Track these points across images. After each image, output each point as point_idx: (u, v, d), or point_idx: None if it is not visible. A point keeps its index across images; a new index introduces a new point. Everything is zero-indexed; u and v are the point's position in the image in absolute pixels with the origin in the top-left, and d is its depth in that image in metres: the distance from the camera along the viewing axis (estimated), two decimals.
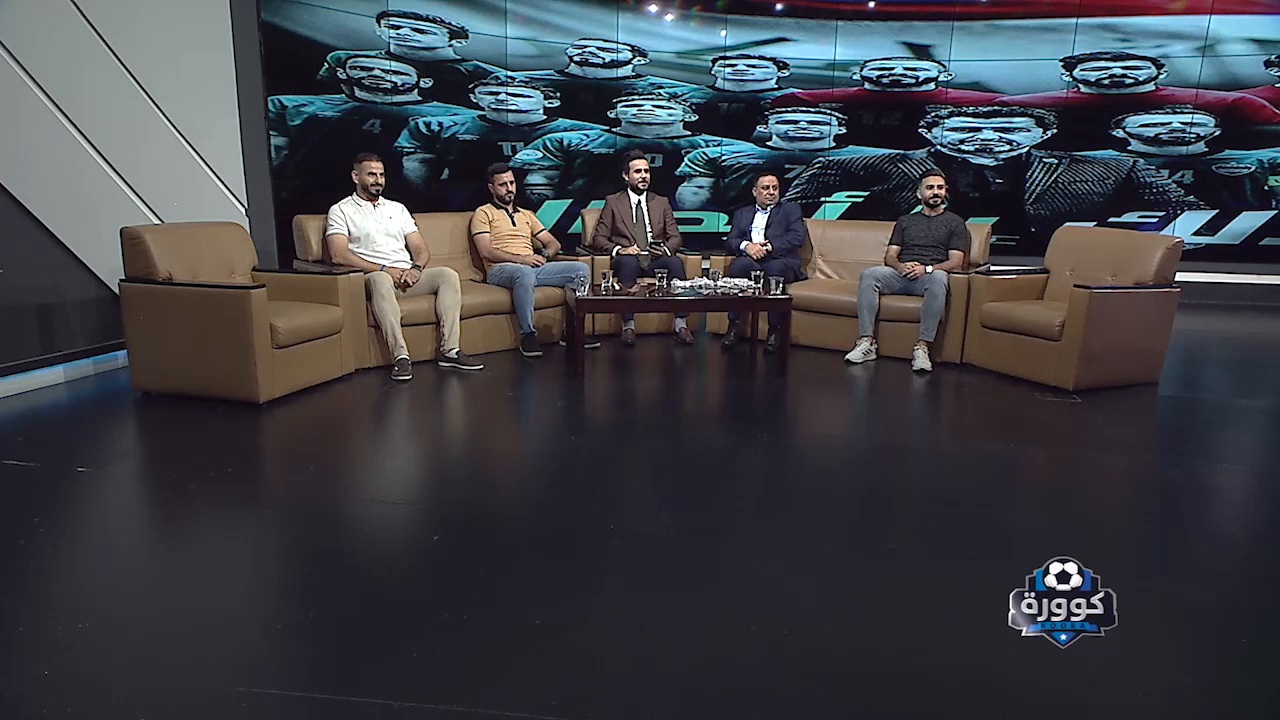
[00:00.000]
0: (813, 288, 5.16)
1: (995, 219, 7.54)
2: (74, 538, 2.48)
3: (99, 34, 4.16)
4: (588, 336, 4.88)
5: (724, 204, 7.88)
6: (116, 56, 4.25)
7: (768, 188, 5.33)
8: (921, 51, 7.78)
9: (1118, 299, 4.15)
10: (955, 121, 7.87)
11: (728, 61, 7.73)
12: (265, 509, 2.80)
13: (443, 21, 6.74)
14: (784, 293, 4.56)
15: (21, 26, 3.81)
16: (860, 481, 3.13)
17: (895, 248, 5.02)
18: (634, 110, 7.60)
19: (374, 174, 4.60)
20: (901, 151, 7.93)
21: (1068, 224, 7.07)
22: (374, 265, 4.50)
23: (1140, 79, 7.57)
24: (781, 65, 7.80)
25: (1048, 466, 3.32)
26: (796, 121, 7.91)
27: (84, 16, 4.09)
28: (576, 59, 7.37)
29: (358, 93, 6.37)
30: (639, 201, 5.44)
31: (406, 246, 4.72)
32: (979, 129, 7.87)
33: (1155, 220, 7.78)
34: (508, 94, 7.15)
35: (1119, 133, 7.69)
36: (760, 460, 3.33)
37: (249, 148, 5.05)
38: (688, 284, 4.58)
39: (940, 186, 4.94)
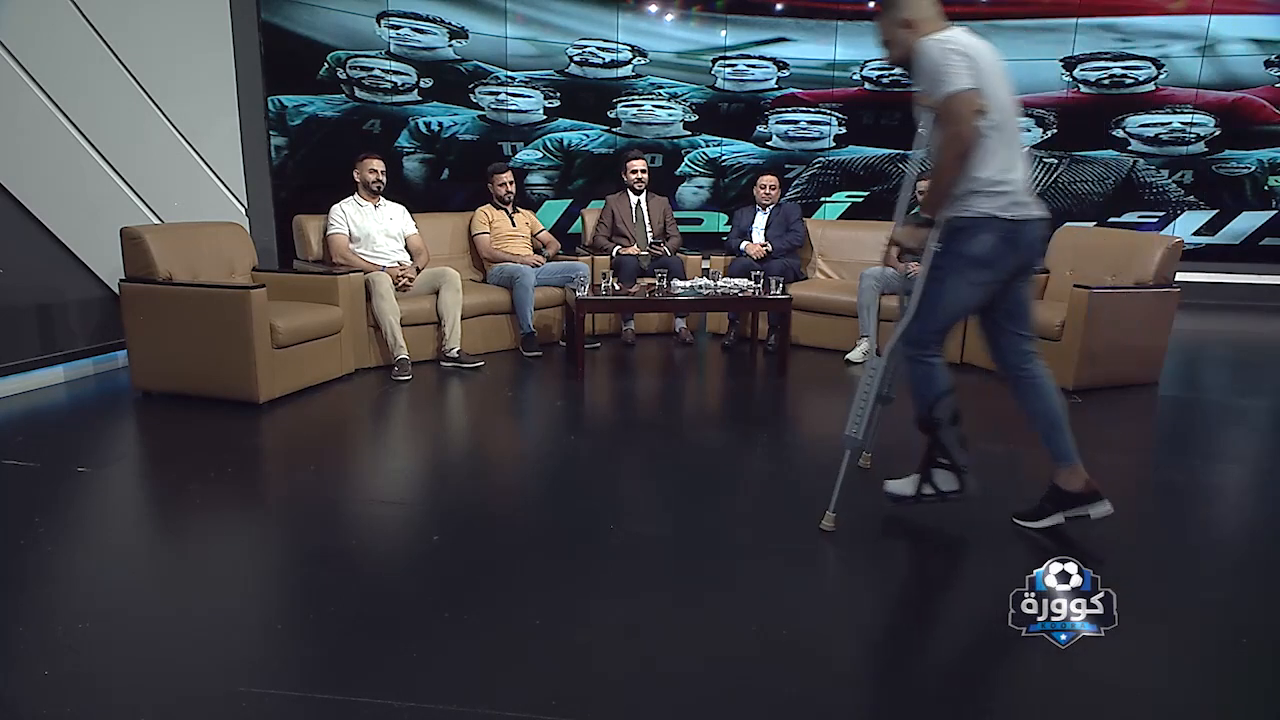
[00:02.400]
0: (813, 288, 5.16)
1: None
2: (74, 537, 2.48)
3: (99, 34, 4.16)
4: (588, 336, 4.88)
5: (724, 204, 7.88)
6: (116, 56, 4.25)
7: (766, 188, 5.33)
8: None
9: (1117, 299, 4.15)
10: None
11: (728, 61, 7.73)
12: (265, 509, 2.80)
13: (443, 21, 6.74)
14: (784, 293, 4.56)
15: (21, 26, 3.81)
16: (860, 481, 3.12)
17: (896, 248, 5.02)
18: (634, 110, 7.60)
19: (375, 171, 4.62)
20: (901, 151, 7.92)
21: (1068, 224, 7.05)
22: (374, 265, 4.51)
23: (1140, 79, 7.57)
24: (781, 65, 7.79)
25: (1048, 467, 3.31)
26: (796, 121, 7.91)
27: (84, 16, 4.09)
28: (576, 59, 7.37)
29: (358, 93, 6.36)
30: (639, 201, 5.44)
31: (407, 248, 4.72)
32: None
33: (1155, 220, 7.78)
34: (508, 94, 7.14)
35: (1119, 133, 7.69)
36: (760, 460, 3.32)
37: (249, 148, 5.05)
38: (688, 284, 4.58)
39: None
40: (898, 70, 7.79)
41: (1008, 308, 2.40)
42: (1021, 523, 2.52)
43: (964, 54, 2.17)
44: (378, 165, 4.64)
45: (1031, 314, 2.45)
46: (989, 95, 2.18)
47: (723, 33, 7.71)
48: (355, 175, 4.63)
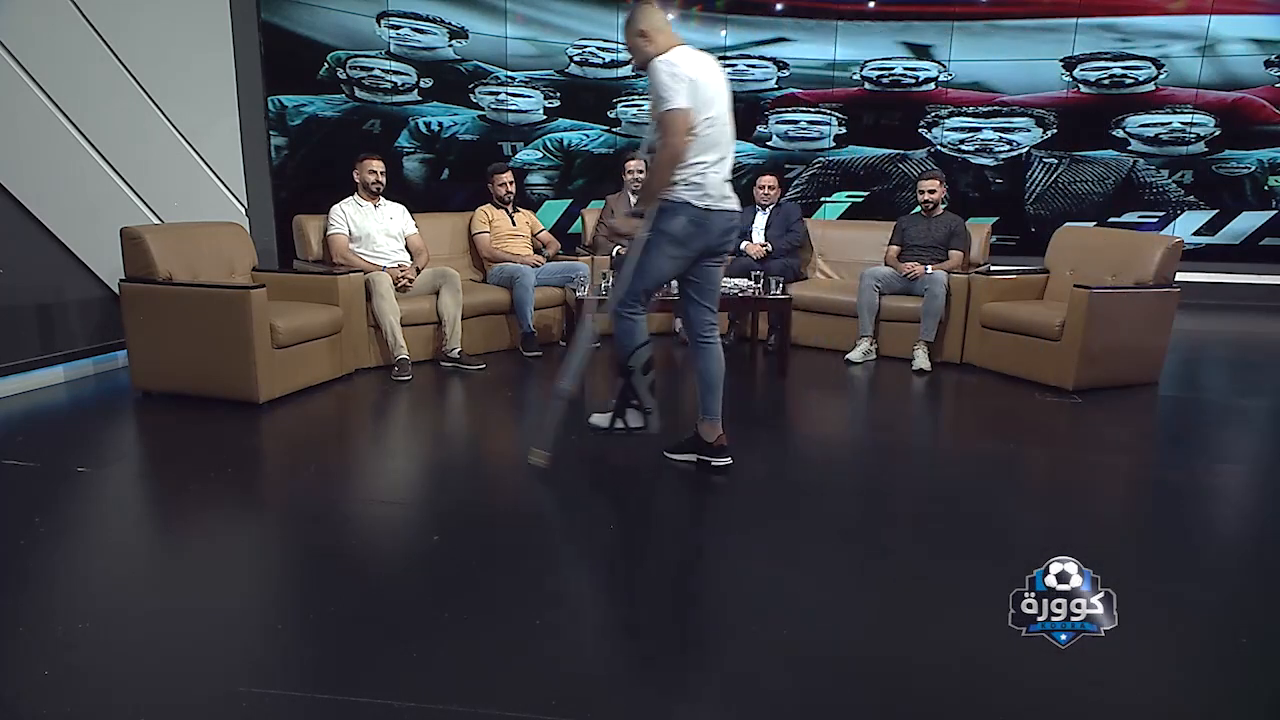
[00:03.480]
0: (813, 288, 5.16)
1: (995, 219, 7.53)
2: (74, 538, 2.49)
3: (99, 34, 4.16)
4: None
5: None
6: (116, 56, 4.25)
7: (765, 188, 5.33)
8: (921, 51, 7.78)
9: (1117, 299, 4.15)
10: (955, 121, 7.87)
11: (728, 61, 7.72)
12: (265, 509, 2.80)
13: (443, 21, 6.74)
14: (784, 293, 4.56)
15: (21, 26, 3.81)
16: (860, 482, 3.13)
17: (895, 248, 5.02)
18: (634, 110, 7.60)
19: (375, 172, 4.61)
20: (901, 151, 7.93)
21: (1068, 224, 7.07)
22: (374, 265, 4.50)
23: (1140, 79, 7.57)
24: (781, 65, 7.80)
25: (1048, 467, 3.32)
26: (796, 121, 7.92)
27: (84, 16, 4.09)
28: (576, 59, 7.37)
29: (358, 93, 6.37)
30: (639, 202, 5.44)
31: (407, 247, 4.72)
32: (979, 129, 7.87)
33: (1155, 220, 7.78)
34: (508, 94, 7.15)
35: (1119, 133, 7.69)
36: (760, 460, 3.32)
37: (249, 148, 5.05)
38: None
39: (933, 191, 4.91)
40: (898, 70, 7.82)
41: (699, 284, 2.90)
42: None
43: (685, 77, 2.63)
44: (377, 166, 4.63)
45: (717, 293, 2.97)
46: (702, 110, 2.71)
47: (723, 32, 7.71)
48: (355, 176, 4.62)
